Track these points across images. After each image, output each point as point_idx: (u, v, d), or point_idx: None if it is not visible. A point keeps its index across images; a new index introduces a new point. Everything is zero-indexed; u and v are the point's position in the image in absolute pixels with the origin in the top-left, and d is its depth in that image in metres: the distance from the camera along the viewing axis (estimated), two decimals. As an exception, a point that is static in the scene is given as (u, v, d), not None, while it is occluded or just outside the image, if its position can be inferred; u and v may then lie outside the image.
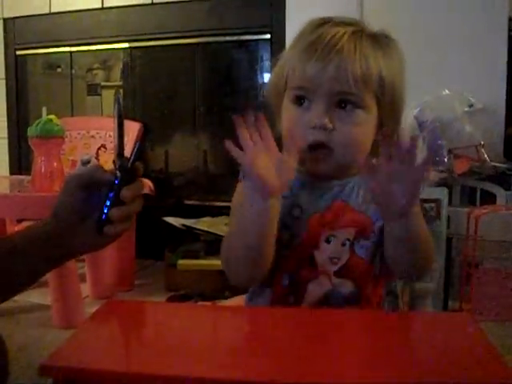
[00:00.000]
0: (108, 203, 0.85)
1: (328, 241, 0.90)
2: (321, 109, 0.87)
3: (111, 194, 0.85)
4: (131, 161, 0.84)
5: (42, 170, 1.87)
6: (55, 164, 1.89)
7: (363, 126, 0.89)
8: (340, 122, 0.87)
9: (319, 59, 0.85)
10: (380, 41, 0.90)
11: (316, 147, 0.87)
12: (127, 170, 0.84)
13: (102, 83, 3.08)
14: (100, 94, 3.09)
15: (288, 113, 0.91)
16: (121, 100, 0.86)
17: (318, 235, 0.90)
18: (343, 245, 0.91)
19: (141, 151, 0.86)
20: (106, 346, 0.66)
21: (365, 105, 0.88)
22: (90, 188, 0.86)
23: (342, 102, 0.87)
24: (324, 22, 0.90)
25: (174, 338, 0.69)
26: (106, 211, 0.85)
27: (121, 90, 0.83)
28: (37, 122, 1.87)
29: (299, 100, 0.90)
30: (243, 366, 0.62)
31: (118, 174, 0.84)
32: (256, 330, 0.75)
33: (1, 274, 0.85)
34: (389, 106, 0.90)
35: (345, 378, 0.58)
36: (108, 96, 3.08)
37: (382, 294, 0.94)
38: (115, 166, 0.85)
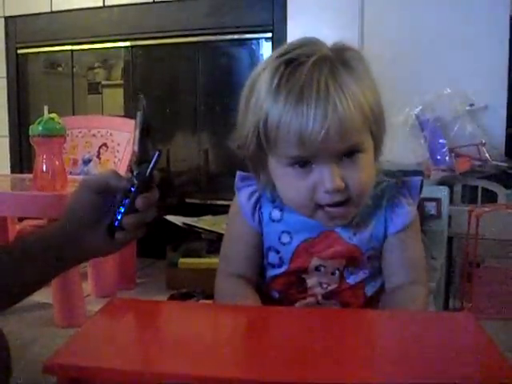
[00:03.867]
0: (122, 210, 0.85)
1: (317, 269, 0.91)
2: (328, 171, 0.79)
3: (126, 201, 0.85)
4: (150, 170, 0.84)
5: (44, 168, 1.87)
6: (57, 163, 1.89)
7: (369, 167, 0.84)
8: (349, 173, 0.81)
9: (315, 122, 0.76)
10: (352, 66, 0.82)
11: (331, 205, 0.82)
12: (145, 179, 0.84)
13: (103, 82, 3.08)
14: (101, 93, 3.09)
15: (287, 176, 0.83)
16: (145, 107, 0.85)
17: (306, 263, 0.91)
18: (333, 274, 0.91)
19: (159, 160, 0.86)
20: (110, 344, 0.66)
21: (366, 145, 0.83)
22: (104, 193, 0.86)
23: (348, 154, 0.81)
24: (296, 65, 0.80)
25: (177, 336, 0.69)
26: (119, 218, 0.85)
27: (143, 96, 0.82)
28: (38, 120, 1.87)
29: (298, 163, 0.81)
30: (244, 364, 0.62)
31: (135, 181, 0.84)
32: (258, 329, 0.75)
33: (13, 276, 0.86)
34: (378, 132, 0.85)
35: (345, 377, 0.58)
36: (109, 95, 3.08)
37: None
38: (132, 172, 0.84)
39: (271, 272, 0.93)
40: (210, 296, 2.03)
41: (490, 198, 2.01)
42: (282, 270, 0.92)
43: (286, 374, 0.58)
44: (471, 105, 2.05)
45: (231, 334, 0.72)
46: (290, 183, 0.83)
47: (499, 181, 2.01)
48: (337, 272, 0.91)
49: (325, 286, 0.91)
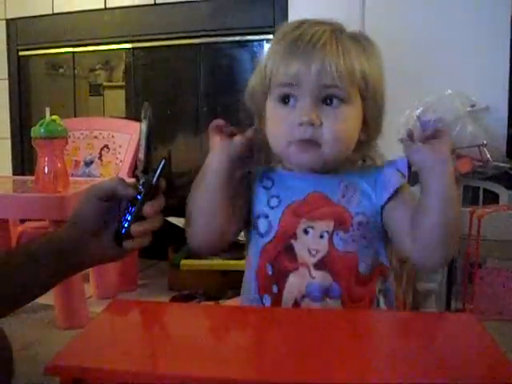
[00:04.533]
0: (129, 217, 0.85)
1: (306, 232, 0.91)
2: (307, 105, 0.87)
3: (132, 209, 0.85)
4: (156, 178, 0.85)
5: (46, 170, 1.88)
6: (59, 164, 1.90)
7: (349, 121, 0.90)
8: (327, 118, 0.87)
9: (302, 55, 0.86)
10: (360, 40, 0.92)
11: (303, 143, 0.88)
12: (151, 187, 0.85)
13: (105, 83, 3.09)
14: (102, 95, 3.10)
15: (273, 112, 0.92)
16: (151, 116, 0.86)
17: (294, 225, 0.91)
18: (321, 237, 0.91)
19: (164, 168, 0.88)
20: (112, 345, 0.66)
21: (350, 99, 0.89)
22: (111, 200, 0.87)
23: (328, 98, 0.88)
24: (303, 23, 0.91)
25: (179, 337, 0.70)
26: (126, 225, 0.85)
27: (148, 104, 0.83)
28: (40, 122, 1.88)
29: (284, 99, 0.90)
30: (246, 365, 0.62)
31: (142, 189, 0.85)
32: (259, 330, 0.75)
33: (18, 281, 0.86)
34: (372, 102, 0.91)
35: (347, 378, 0.58)
36: (110, 96, 3.09)
37: (374, 293, 0.93)
38: (138, 180, 0.85)
39: (261, 242, 0.93)
40: (212, 297, 2.05)
41: (492, 199, 2.01)
42: (271, 235, 0.92)
43: (286, 375, 0.58)
44: (472, 106, 2.05)
45: (233, 336, 0.72)
46: (276, 118, 0.91)
47: (501, 182, 2.01)
48: (325, 235, 0.90)
49: (313, 252, 0.90)
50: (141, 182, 0.87)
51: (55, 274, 0.91)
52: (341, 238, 0.91)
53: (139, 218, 0.86)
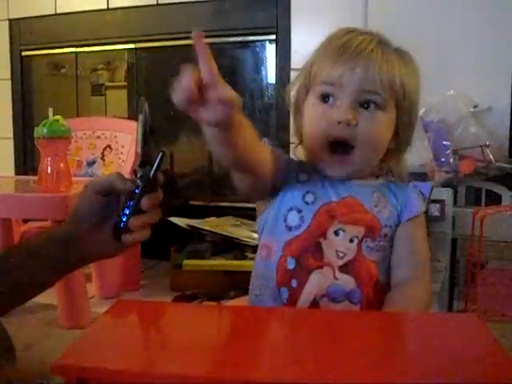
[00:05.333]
0: (127, 211, 0.86)
1: (336, 233, 0.92)
2: (346, 105, 0.90)
3: (131, 203, 0.85)
4: (153, 171, 0.85)
5: (49, 170, 1.88)
6: (62, 165, 1.90)
7: (383, 126, 0.93)
8: (363, 119, 0.90)
9: (349, 60, 0.90)
10: (402, 53, 0.95)
11: (338, 144, 0.91)
12: (149, 180, 0.85)
13: (107, 83, 3.09)
14: (104, 95, 3.10)
15: (312, 109, 0.94)
16: (147, 110, 0.86)
17: (326, 225, 0.93)
18: (351, 241, 0.92)
19: (162, 162, 0.87)
20: (118, 345, 0.66)
21: (386, 107, 0.92)
22: (109, 195, 0.87)
23: (366, 103, 0.91)
24: (351, 31, 0.94)
25: (183, 338, 0.70)
26: (124, 220, 0.86)
27: (144, 99, 0.83)
28: (43, 122, 1.88)
29: (324, 97, 0.92)
30: (249, 366, 0.62)
31: (140, 183, 0.85)
32: (262, 330, 0.75)
33: (19, 277, 0.86)
34: (407, 113, 0.94)
35: (350, 378, 0.58)
36: (112, 96, 3.09)
37: (380, 301, 0.94)
38: (136, 174, 0.85)
39: (288, 235, 0.94)
40: (214, 298, 2.05)
41: (494, 199, 2.01)
42: (301, 230, 0.93)
43: (289, 376, 0.58)
44: (475, 106, 2.06)
45: (236, 336, 0.72)
46: (315, 115, 0.94)
47: (503, 182, 2.01)
48: (355, 240, 0.92)
49: (341, 254, 0.92)
50: (138, 175, 0.87)
51: (56, 271, 0.91)
52: (368, 245, 0.93)
53: (138, 211, 0.86)
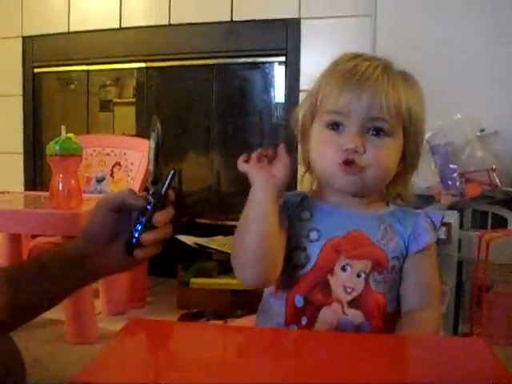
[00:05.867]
0: (139, 227, 0.87)
1: (344, 269, 0.92)
2: (353, 133, 0.90)
3: (142, 219, 0.87)
4: (165, 188, 0.87)
5: (60, 187, 1.90)
6: (73, 182, 1.92)
7: (391, 151, 0.93)
8: (370, 146, 0.91)
9: (355, 87, 0.90)
10: (407, 77, 0.95)
11: (348, 164, 0.91)
12: (160, 197, 0.87)
13: (115, 100, 3.12)
14: (112, 111, 3.13)
15: (320, 135, 0.95)
16: (159, 128, 0.89)
17: (333, 260, 0.92)
18: (358, 276, 0.92)
19: (173, 179, 0.90)
20: (133, 363, 0.68)
21: (394, 133, 0.92)
22: (121, 211, 0.89)
23: (374, 129, 0.91)
24: (357, 56, 0.94)
25: (196, 357, 0.71)
26: (137, 235, 0.87)
27: (156, 117, 0.85)
28: (56, 140, 1.90)
29: (332, 125, 0.93)
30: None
31: (151, 199, 0.87)
32: (269, 351, 0.76)
33: (30, 292, 0.88)
34: (413, 138, 0.95)
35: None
36: (120, 112, 3.12)
37: (389, 331, 0.94)
38: (148, 192, 0.88)
39: (295, 275, 0.93)
40: (221, 316, 2.06)
41: (500, 223, 2.02)
42: (308, 268, 0.92)
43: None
44: (482, 130, 2.06)
45: (245, 356, 0.73)
46: (323, 141, 0.94)
47: (509, 206, 2.02)
48: (362, 274, 0.92)
49: (349, 290, 0.91)
50: (151, 192, 0.89)
51: (67, 286, 0.93)
52: (375, 279, 0.93)
53: (150, 227, 0.88)
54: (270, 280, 0.91)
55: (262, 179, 0.87)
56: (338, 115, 0.92)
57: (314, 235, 0.93)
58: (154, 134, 0.91)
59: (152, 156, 0.91)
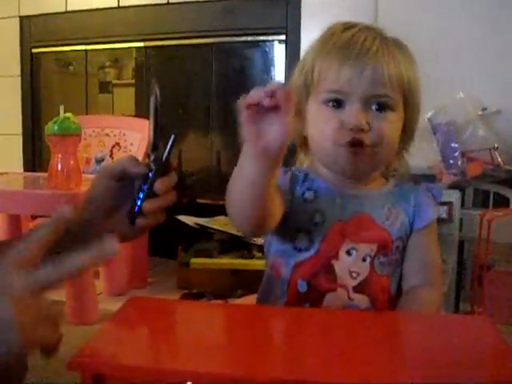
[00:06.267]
0: (141, 195, 0.85)
1: (349, 253, 0.90)
2: (356, 110, 0.87)
3: (144, 187, 0.85)
4: (165, 154, 0.85)
5: (59, 167, 1.89)
6: (72, 162, 1.91)
7: (395, 126, 0.91)
8: (375, 122, 0.88)
9: (355, 62, 0.86)
10: (401, 46, 0.93)
11: (352, 145, 0.87)
12: (162, 163, 0.85)
13: (114, 81, 3.10)
14: (111, 92, 3.11)
15: (318, 113, 0.91)
16: (157, 92, 0.86)
17: (338, 245, 0.90)
18: (364, 260, 0.91)
19: (175, 144, 0.86)
20: (133, 341, 0.68)
21: (396, 107, 0.90)
22: (123, 179, 0.87)
23: (377, 104, 0.88)
24: (350, 26, 0.90)
25: (195, 335, 0.71)
26: (138, 203, 0.85)
27: (155, 81, 0.82)
28: (54, 119, 1.89)
29: (332, 101, 0.89)
30: (256, 363, 0.63)
31: (153, 166, 0.85)
32: (270, 329, 0.76)
33: None
34: (412, 107, 0.93)
35: (362, 377, 0.59)
36: (119, 94, 3.10)
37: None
38: (149, 158, 0.86)
39: (298, 257, 0.91)
40: (221, 296, 2.06)
41: (502, 202, 2.01)
42: (311, 252, 0.91)
43: (295, 374, 0.59)
44: (484, 109, 2.05)
45: (246, 335, 0.73)
46: (321, 120, 0.90)
47: (511, 185, 2.01)
48: (368, 258, 0.90)
49: (355, 274, 0.90)
50: (151, 159, 0.86)
51: None
52: (380, 261, 0.92)
53: (152, 195, 0.85)
54: (268, 230, 0.88)
55: (251, 144, 0.71)
56: (338, 93, 0.88)
57: (318, 218, 0.91)
58: (152, 98, 0.88)
59: (152, 121, 0.88)
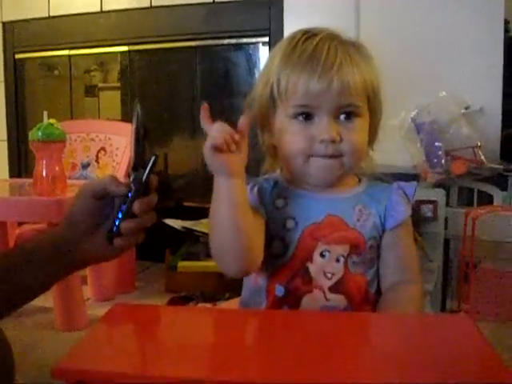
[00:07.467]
0: (120, 215, 0.86)
1: (322, 255, 0.91)
2: (326, 123, 0.89)
3: (123, 207, 0.85)
4: (146, 174, 0.85)
5: (44, 173, 1.88)
6: (57, 168, 1.90)
7: (363, 132, 0.93)
8: (345, 132, 0.89)
9: (322, 76, 0.87)
10: (360, 49, 0.94)
11: (327, 157, 0.90)
12: (141, 184, 0.85)
13: (100, 85, 3.09)
14: (97, 96, 3.10)
15: (287, 126, 0.92)
16: (139, 112, 0.87)
17: (311, 248, 0.91)
18: (337, 261, 0.92)
19: (155, 165, 0.87)
20: (117, 348, 0.68)
21: (362, 112, 0.91)
22: (104, 198, 0.88)
23: (345, 114, 0.90)
24: (312, 35, 0.91)
25: (179, 341, 0.71)
26: (117, 223, 0.86)
27: (137, 100, 0.83)
28: (38, 126, 1.88)
29: (301, 115, 0.90)
30: (243, 367, 0.63)
31: (132, 186, 0.85)
32: (258, 333, 0.76)
33: (13, 282, 0.87)
34: (376, 108, 0.95)
35: (343, 378, 0.59)
36: (105, 97, 3.10)
37: (372, 311, 0.95)
38: (129, 177, 0.86)
39: (275, 263, 0.92)
40: (209, 299, 2.07)
41: (486, 200, 2.03)
42: (287, 258, 0.92)
43: (283, 378, 0.59)
44: (467, 108, 2.06)
45: (231, 339, 0.73)
46: (291, 134, 0.91)
47: (495, 183, 2.02)
48: (341, 259, 0.91)
49: (329, 275, 0.91)
50: (131, 178, 0.86)
51: (51, 274, 0.91)
52: (354, 261, 0.92)
53: (130, 215, 0.86)
54: (252, 270, 0.90)
55: (221, 165, 0.83)
56: (308, 107, 0.90)
57: (290, 224, 0.92)
58: (134, 118, 0.88)
59: (133, 141, 0.88)
